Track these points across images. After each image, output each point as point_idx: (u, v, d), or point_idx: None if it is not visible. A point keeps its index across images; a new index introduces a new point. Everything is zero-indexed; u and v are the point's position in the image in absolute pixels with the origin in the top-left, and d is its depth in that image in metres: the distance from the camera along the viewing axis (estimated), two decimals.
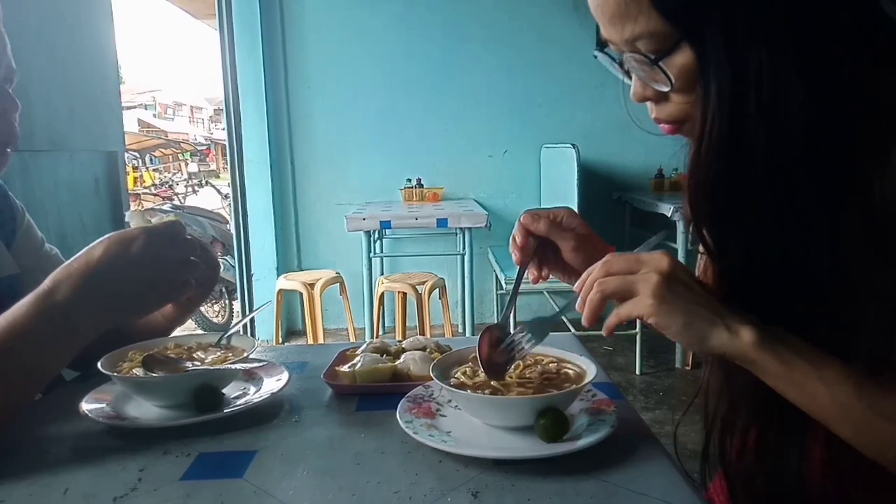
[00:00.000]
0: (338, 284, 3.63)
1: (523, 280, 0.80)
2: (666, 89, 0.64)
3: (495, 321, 0.77)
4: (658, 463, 0.63)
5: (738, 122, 0.58)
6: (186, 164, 14.34)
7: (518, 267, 0.81)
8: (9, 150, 0.86)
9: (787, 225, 0.59)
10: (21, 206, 1.00)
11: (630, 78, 0.68)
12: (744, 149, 0.58)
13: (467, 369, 0.75)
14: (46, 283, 0.71)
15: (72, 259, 0.73)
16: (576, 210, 3.16)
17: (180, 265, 0.77)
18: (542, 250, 0.82)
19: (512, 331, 0.72)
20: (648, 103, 0.68)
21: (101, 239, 0.72)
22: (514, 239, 0.82)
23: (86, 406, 0.77)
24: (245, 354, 0.85)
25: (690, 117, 0.65)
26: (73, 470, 0.64)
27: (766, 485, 0.66)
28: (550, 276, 0.84)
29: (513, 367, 0.73)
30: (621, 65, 0.67)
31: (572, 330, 3.07)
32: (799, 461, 0.64)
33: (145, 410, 0.78)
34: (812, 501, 0.65)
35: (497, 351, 0.72)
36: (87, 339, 0.74)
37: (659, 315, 0.58)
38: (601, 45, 0.68)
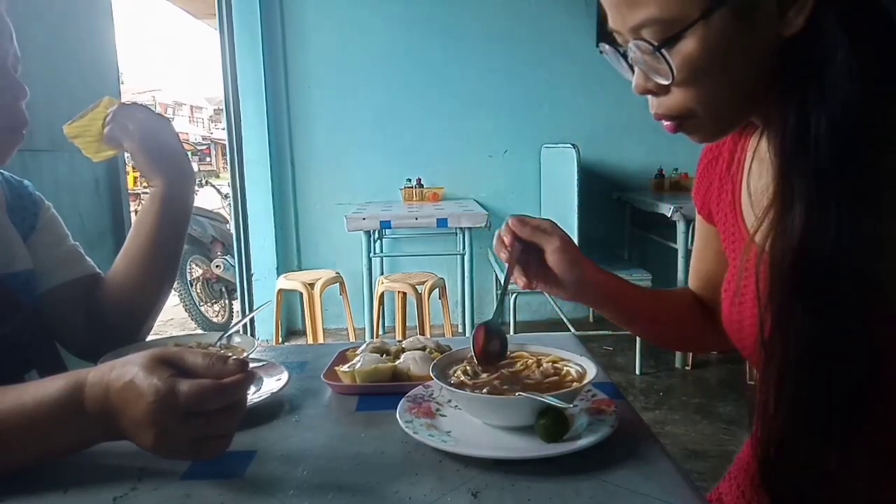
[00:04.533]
0: (338, 284, 3.63)
1: (513, 283, 0.81)
2: (666, 82, 0.63)
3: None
4: (658, 463, 0.63)
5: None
6: None
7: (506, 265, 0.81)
8: (24, 132, 0.86)
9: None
10: (45, 202, 0.99)
11: (633, 71, 0.66)
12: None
13: (467, 369, 0.75)
14: (78, 390, 0.60)
15: (116, 376, 0.59)
16: (575, 210, 3.15)
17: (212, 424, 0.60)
18: (524, 258, 0.80)
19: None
20: (649, 98, 0.67)
21: (152, 384, 0.57)
22: (500, 238, 0.80)
23: None
24: (245, 354, 0.85)
25: (692, 113, 0.65)
26: (73, 470, 0.63)
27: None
28: (536, 286, 0.83)
29: (505, 358, 0.78)
30: (625, 56, 0.65)
31: (572, 330, 3.07)
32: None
33: None
34: None
35: (491, 343, 0.77)
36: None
37: None
38: (606, 36, 0.66)
